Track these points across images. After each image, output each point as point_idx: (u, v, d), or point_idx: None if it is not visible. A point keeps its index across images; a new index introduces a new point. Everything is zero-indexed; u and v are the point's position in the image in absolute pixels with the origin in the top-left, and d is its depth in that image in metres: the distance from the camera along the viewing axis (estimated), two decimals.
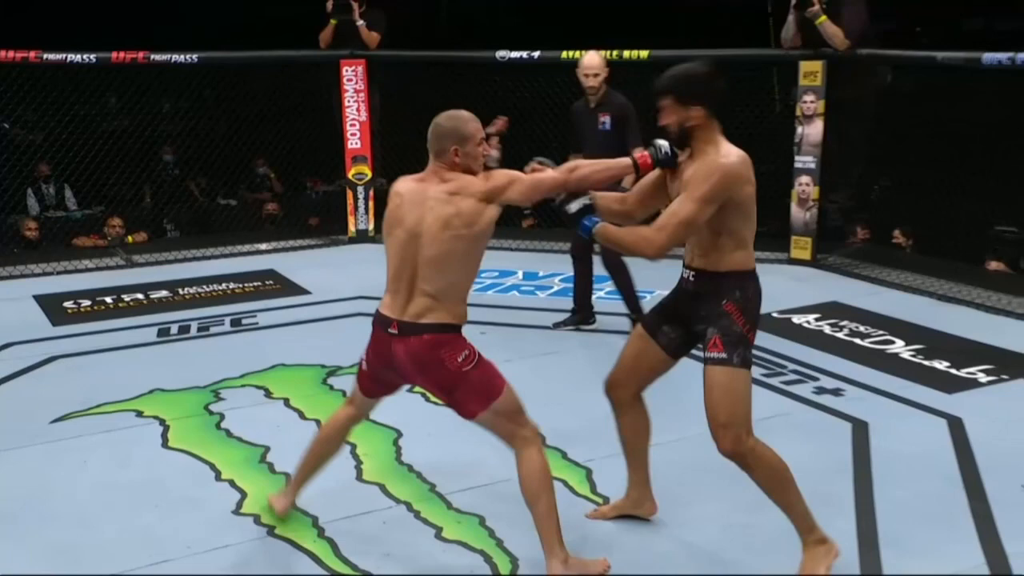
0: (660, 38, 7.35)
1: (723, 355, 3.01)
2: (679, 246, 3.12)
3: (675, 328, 3.22)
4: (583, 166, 3.22)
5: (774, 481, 3.07)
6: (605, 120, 5.44)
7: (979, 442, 4.10)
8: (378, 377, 3.25)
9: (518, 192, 3.09)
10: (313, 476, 3.48)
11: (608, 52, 5.96)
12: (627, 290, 5.49)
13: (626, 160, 3.26)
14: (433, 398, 4.51)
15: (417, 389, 4.63)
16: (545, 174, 3.16)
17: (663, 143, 3.12)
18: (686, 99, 3.00)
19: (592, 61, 5.50)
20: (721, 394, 3.01)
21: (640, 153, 3.23)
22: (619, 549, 3.33)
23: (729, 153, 3.01)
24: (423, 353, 3.03)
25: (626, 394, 3.34)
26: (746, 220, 3.05)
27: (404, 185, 3.15)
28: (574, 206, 3.16)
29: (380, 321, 3.12)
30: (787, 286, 6.51)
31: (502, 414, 3.09)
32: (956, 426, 4.28)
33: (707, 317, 3.08)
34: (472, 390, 3.06)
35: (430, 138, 3.12)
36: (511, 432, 3.11)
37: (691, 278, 3.14)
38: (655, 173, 3.23)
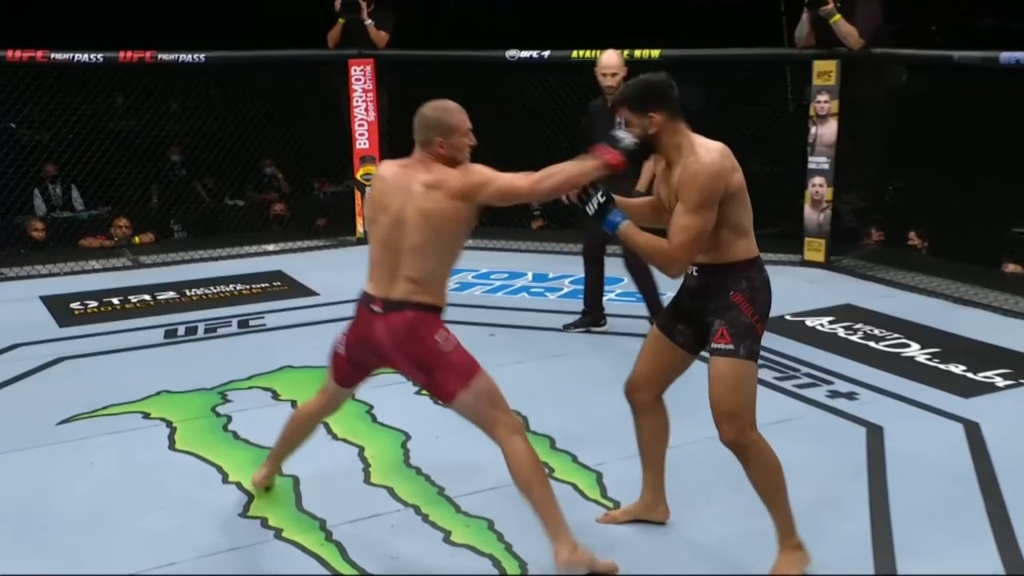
0: (660, 38, 7.29)
1: (730, 346, 3.02)
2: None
3: (688, 325, 3.22)
4: (554, 175, 3.14)
5: (769, 479, 3.08)
6: (621, 120, 5.37)
7: (996, 446, 4.05)
8: (355, 360, 3.29)
9: (490, 196, 3.11)
10: (287, 459, 3.66)
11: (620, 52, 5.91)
12: (650, 294, 5.42)
13: (593, 162, 3.16)
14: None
15: (425, 392, 4.61)
16: (516, 181, 3.12)
17: (623, 134, 3.14)
18: (640, 107, 3.06)
19: (610, 60, 5.45)
20: (727, 385, 3.01)
21: (606, 152, 3.15)
22: (624, 549, 3.29)
23: (707, 151, 3.00)
24: (402, 330, 3.08)
25: (648, 396, 3.33)
26: (742, 208, 3.06)
27: (388, 170, 3.21)
28: (591, 206, 3.12)
29: (365, 300, 3.18)
30: (800, 288, 6.46)
31: (482, 397, 3.11)
32: (973, 430, 4.23)
33: (715, 310, 3.08)
34: (450, 369, 3.09)
35: (415, 127, 3.16)
36: (493, 419, 3.12)
37: (696, 273, 3.13)
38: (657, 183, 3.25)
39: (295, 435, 3.58)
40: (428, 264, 3.08)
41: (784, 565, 3.12)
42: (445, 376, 3.10)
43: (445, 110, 3.15)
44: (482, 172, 3.11)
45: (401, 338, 3.09)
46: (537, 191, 3.14)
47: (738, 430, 3.02)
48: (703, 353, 3.20)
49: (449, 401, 3.14)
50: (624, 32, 7.38)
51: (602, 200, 3.12)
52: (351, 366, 3.32)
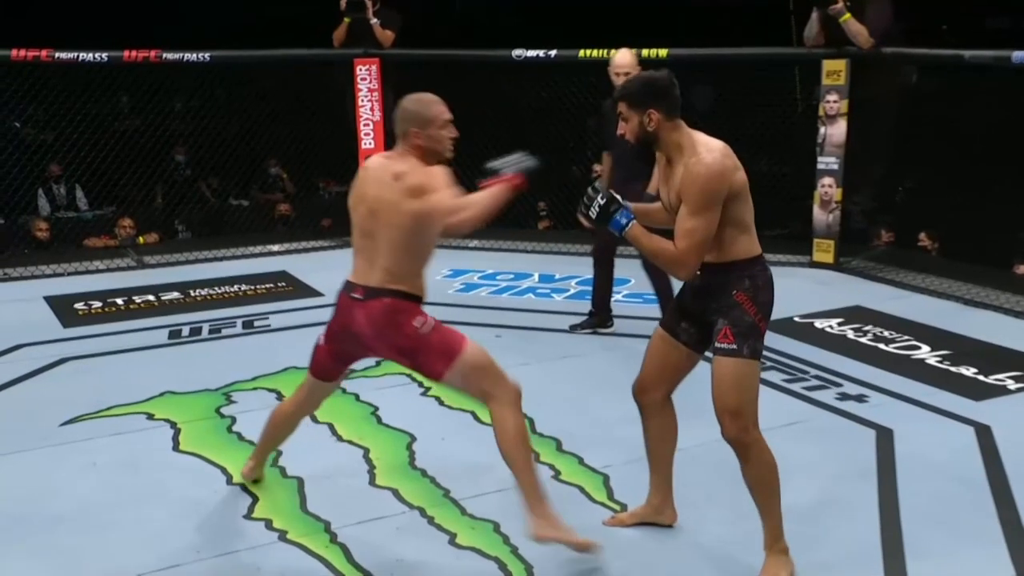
0: (660, 38, 7.24)
1: (733, 346, 3.02)
2: None
3: (692, 323, 3.21)
4: (465, 210, 3.14)
5: (766, 480, 3.09)
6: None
7: (1008, 450, 4.02)
8: (336, 350, 3.34)
9: (433, 204, 3.10)
10: (271, 452, 3.78)
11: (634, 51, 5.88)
12: (664, 294, 5.37)
13: (496, 189, 3.18)
14: (447, 401, 4.49)
15: (431, 393, 4.60)
16: (446, 207, 3.11)
17: (510, 157, 3.23)
18: (638, 102, 3.06)
19: (624, 60, 5.41)
20: (731, 385, 3.02)
21: (506, 177, 3.20)
22: (630, 552, 3.27)
23: (708, 151, 2.99)
24: (380, 317, 3.13)
25: (656, 397, 3.31)
26: (745, 206, 3.06)
27: (373, 161, 3.31)
28: (593, 210, 3.10)
29: (347, 288, 3.24)
30: (809, 290, 6.43)
31: (469, 371, 3.15)
32: (984, 434, 4.19)
33: (719, 309, 3.07)
34: (432, 351, 3.15)
35: (395, 120, 3.23)
36: (483, 392, 3.18)
37: (698, 272, 3.11)
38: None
39: (276, 432, 3.65)
40: (399, 255, 3.13)
41: (772, 568, 3.12)
42: (428, 358, 3.16)
43: (421, 102, 3.20)
44: (437, 179, 3.12)
45: (380, 325, 3.14)
46: (449, 226, 3.15)
47: (740, 428, 3.03)
48: (707, 353, 3.19)
49: (438, 380, 3.20)
50: (624, 32, 7.34)
51: (603, 202, 3.09)
52: (332, 357, 3.37)
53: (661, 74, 3.12)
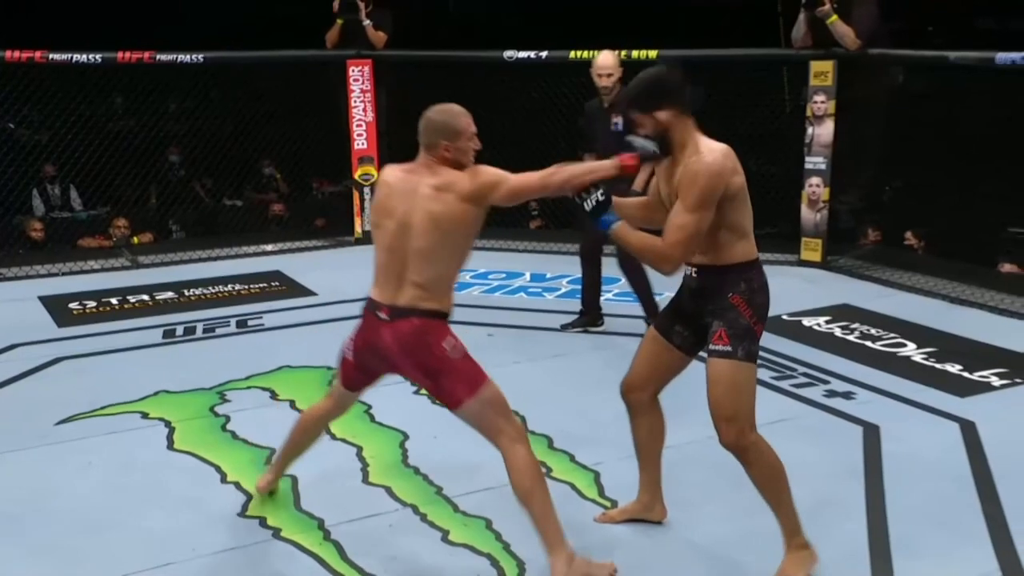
0: (661, 38, 7.29)
1: (727, 348, 3.01)
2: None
3: (687, 327, 3.22)
4: (565, 170, 3.14)
5: (771, 479, 3.08)
6: (618, 121, 5.37)
7: (992, 446, 4.07)
8: (363, 366, 3.27)
9: (501, 197, 3.09)
10: (292, 463, 3.62)
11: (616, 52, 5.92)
12: (644, 293, 5.43)
13: (609, 163, 3.16)
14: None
15: (423, 391, 4.62)
16: (527, 179, 3.12)
17: (643, 141, 3.12)
18: (649, 107, 3.03)
19: (606, 61, 5.46)
20: (725, 388, 3.01)
21: (624, 156, 3.14)
22: (622, 549, 3.31)
23: (710, 151, 2.98)
24: (410, 337, 3.05)
25: (644, 396, 3.33)
26: (743, 210, 3.05)
27: (392, 175, 3.17)
28: (589, 203, 3.12)
29: (371, 306, 3.15)
30: (797, 288, 6.47)
31: (488, 405, 3.09)
32: (969, 430, 4.24)
33: (714, 311, 3.08)
34: (457, 377, 3.07)
35: (420, 131, 3.13)
36: (498, 428, 3.10)
37: (694, 274, 3.13)
38: (655, 182, 3.23)
39: (303, 438, 3.55)
40: (435, 268, 3.05)
41: (791, 565, 3.11)
42: (452, 383, 3.07)
43: (450, 114, 3.12)
44: (492, 172, 3.09)
45: (409, 345, 3.06)
46: (550, 183, 3.12)
47: (737, 432, 3.02)
48: (701, 354, 3.20)
49: (455, 408, 3.12)
50: (625, 32, 7.38)
51: (600, 199, 3.11)
52: (359, 371, 3.30)
53: (664, 71, 3.09)
